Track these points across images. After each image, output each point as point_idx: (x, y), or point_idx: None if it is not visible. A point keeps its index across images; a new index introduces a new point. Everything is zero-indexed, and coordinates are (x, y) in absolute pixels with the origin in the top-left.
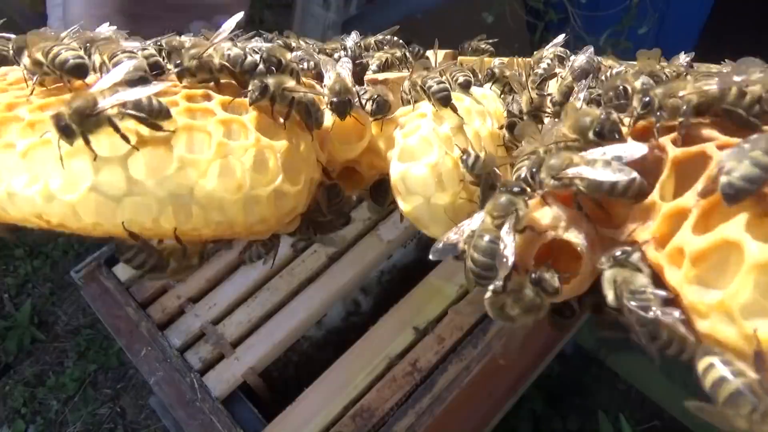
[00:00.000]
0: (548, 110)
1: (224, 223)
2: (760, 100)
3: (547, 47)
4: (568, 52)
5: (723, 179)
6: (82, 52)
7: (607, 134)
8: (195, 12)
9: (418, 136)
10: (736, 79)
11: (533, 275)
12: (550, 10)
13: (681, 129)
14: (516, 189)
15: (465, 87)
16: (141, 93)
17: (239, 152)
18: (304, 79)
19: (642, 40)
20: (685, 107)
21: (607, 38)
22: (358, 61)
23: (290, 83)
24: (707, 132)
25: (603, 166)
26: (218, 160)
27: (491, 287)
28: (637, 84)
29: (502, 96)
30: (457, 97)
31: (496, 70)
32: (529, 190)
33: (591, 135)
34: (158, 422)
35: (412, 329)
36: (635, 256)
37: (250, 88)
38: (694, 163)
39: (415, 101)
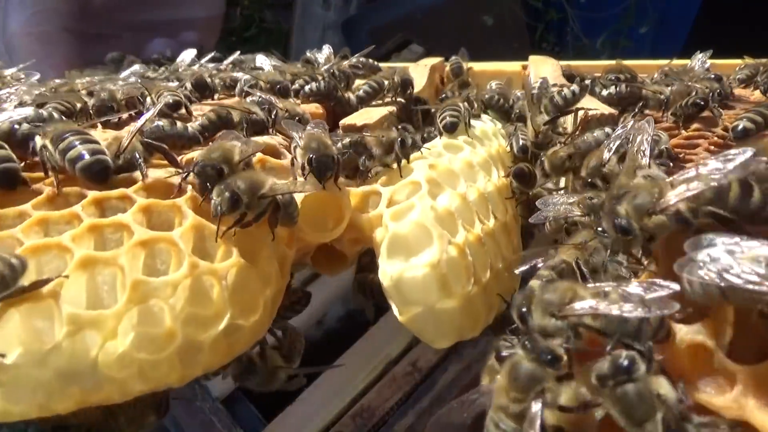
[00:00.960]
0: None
1: (151, 387)
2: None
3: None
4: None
5: None
6: None
7: None
8: (159, 30)
9: (411, 221)
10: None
11: None
12: (550, 10)
13: None
14: (547, 357)
15: (450, 129)
16: None
17: (166, 292)
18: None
19: (642, 39)
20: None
21: (606, 39)
22: (334, 94)
23: (268, 184)
24: None
25: (621, 299)
26: (134, 307)
27: None
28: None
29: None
30: (455, 145)
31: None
32: (564, 357)
33: None
34: (158, 422)
35: None
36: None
37: (213, 198)
38: None
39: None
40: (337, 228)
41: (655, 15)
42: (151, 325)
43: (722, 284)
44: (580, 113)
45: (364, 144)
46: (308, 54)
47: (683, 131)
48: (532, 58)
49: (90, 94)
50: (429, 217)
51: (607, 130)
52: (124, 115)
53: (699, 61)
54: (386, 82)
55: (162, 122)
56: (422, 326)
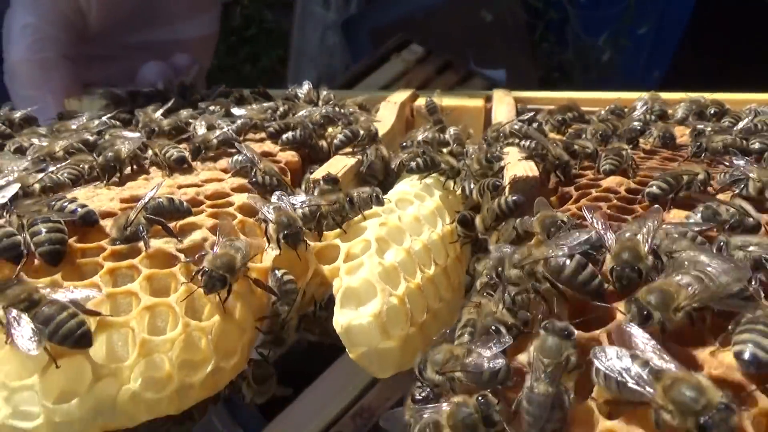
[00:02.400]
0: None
1: (154, 416)
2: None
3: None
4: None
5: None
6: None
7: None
8: (152, 52)
9: (361, 278)
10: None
11: None
12: (550, 9)
13: None
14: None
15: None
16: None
17: (165, 347)
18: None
19: (641, 39)
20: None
21: (605, 38)
22: (309, 143)
23: (239, 259)
24: None
25: (476, 357)
26: (142, 360)
27: None
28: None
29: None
30: (405, 199)
31: (450, 139)
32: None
33: None
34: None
35: None
36: None
37: (203, 283)
38: None
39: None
40: (302, 280)
41: (655, 15)
42: (154, 372)
43: (619, 380)
44: (510, 175)
45: (323, 214)
46: (289, 90)
47: (592, 193)
48: (496, 93)
49: (68, 153)
50: (375, 273)
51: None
52: (127, 171)
53: (641, 102)
54: (362, 133)
55: (161, 199)
56: (368, 362)
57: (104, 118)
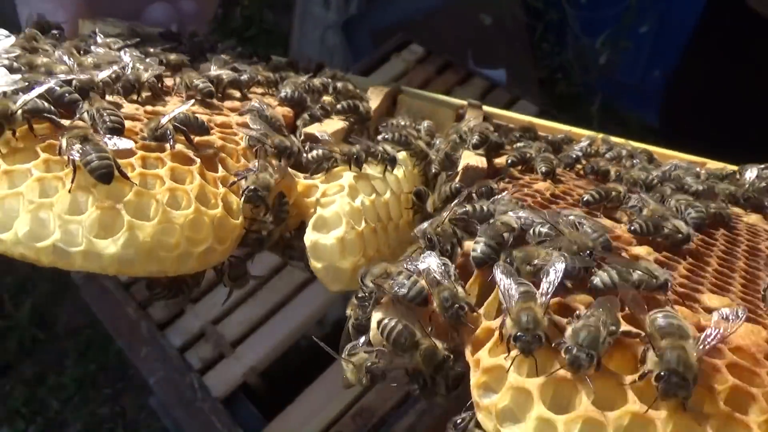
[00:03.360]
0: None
1: (159, 272)
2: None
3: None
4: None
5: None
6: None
7: None
8: None
9: (332, 210)
10: None
11: None
12: (550, 10)
13: None
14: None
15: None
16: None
17: (179, 219)
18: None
19: (642, 39)
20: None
21: (606, 39)
22: (304, 104)
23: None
24: None
25: (404, 277)
26: (161, 225)
27: None
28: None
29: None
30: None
31: (423, 129)
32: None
33: None
34: (158, 422)
35: None
36: None
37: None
38: None
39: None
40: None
41: (656, 15)
42: (167, 237)
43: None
44: (463, 163)
45: (333, 157)
46: (290, 57)
47: (524, 191)
48: (470, 103)
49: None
50: (344, 210)
51: None
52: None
53: (586, 138)
54: (361, 109)
55: (189, 114)
56: (324, 275)
57: (121, 43)
